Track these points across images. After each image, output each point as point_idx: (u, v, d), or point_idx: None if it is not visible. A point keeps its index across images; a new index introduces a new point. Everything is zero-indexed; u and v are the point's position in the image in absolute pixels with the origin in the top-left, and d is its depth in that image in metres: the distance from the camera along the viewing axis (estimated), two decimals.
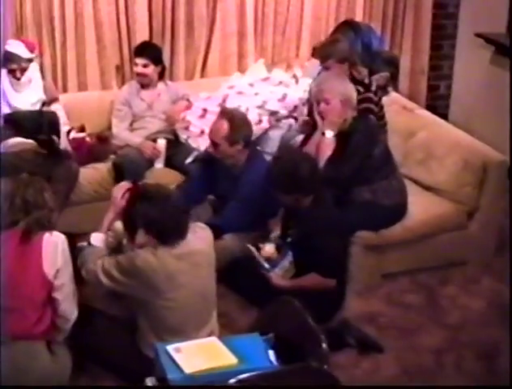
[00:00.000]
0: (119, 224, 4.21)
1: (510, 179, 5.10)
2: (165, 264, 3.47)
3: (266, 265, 4.26)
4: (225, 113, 4.67)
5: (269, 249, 4.34)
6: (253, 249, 4.31)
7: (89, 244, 3.84)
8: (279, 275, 4.23)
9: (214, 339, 3.33)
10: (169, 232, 3.50)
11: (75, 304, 3.56)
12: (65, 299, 3.48)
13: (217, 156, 4.70)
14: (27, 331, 3.41)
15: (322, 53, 5.27)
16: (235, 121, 4.59)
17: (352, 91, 4.71)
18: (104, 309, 3.97)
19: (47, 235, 3.44)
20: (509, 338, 4.14)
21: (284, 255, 4.29)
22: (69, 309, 3.52)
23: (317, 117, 4.67)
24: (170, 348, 3.16)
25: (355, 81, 5.04)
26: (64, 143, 5.19)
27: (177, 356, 3.10)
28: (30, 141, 5.07)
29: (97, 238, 3.82)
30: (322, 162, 4.52)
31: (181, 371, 3.01)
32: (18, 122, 5.00)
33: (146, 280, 3.46)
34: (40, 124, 4.99)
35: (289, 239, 4.31)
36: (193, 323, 3.61)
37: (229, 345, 3.20)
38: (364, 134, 4.61)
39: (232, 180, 4.67)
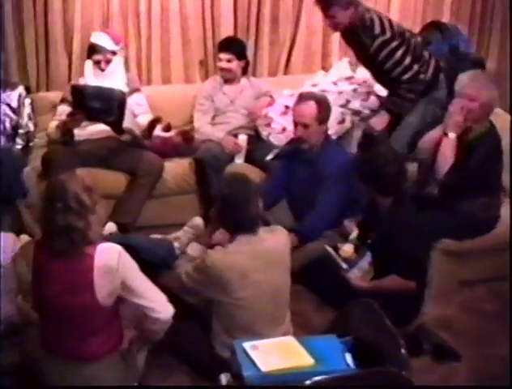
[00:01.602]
0: (198, 220, 4.23)
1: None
2: (237, 262, 3.47)
3: (344, 265, 4.22)
4: (308, 96, 4.71)
5: (348, 249, 4.29)
6: (330, 249, 4.27)
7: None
8: (358, 277, 4.17)
9: (291, 339, 3.30)
10: (238, 215, 3.51)
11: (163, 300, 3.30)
12: (143, 299, 3.26)
13: (299, 141, 4.69)
14: (102, 351, 3.31)
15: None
16: (321, 101, 4.64)
17: (495, 100, 4.56)
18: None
19: (98, 253, 3.14)
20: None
21: (362, 256, 4.23)
22: (156, 304, 3.27)
23: (453, 111, 4.56)
24: (247, 345, 3.14)
25: (365, 28, 4.99)
26: (137, 128, 5.27)
27: (253, 354, 3.09)
28: (107, 128, 5.13)
29: (193, 248, 3.85)
30: (443, 165, 4.44)
31: (258, 369, 2.99)
32: (87, 100, 4.96)
33: (216, 279, 3.46)
34: (110, 101, 4.97)
35: (369, 241, 4.25)
36: (265, 323, 3.59)
37: (306, 345, 3.17)
38: (492, 150, 4.50)
39: (309, 172, 4.67)
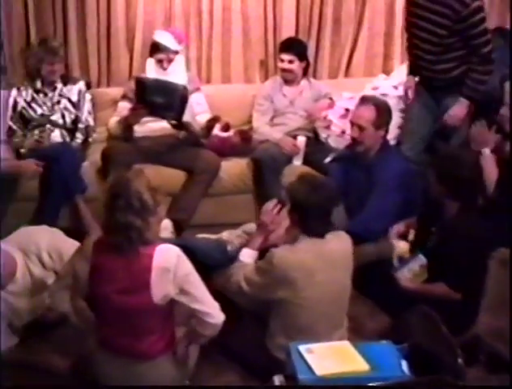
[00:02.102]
0: (253, 226, 4.21)
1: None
2: (303, 260, 3.45)
3: (396, 262, 4.20)
4: (369, 99, 4.67)
5: (403, 246, 4.28)
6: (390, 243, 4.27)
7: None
8: (407, 278, 4.12)
9: (346, 343, 3.25)
10: (315, 220, 3.49)
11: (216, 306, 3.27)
12: (199, 304, 3.22)
13: (354, 142, 4.65)
14: (154, 350, 3.30)
15: None
16: (380, 106, 4.58)
17: None
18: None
19: (157, 254, 3.13)
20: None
21: (415, 258, 4.16)
22: (210, 309, 3.24)
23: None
24: (303, 348, 3.11)
25: None
26: (197, 126, 5.27)
27: (308, 357, 3.05)
28: (167, 126, 5.15)
29: (247, 254, 3.78)
30: (489, 182, 4.40)
31: (312, 372, 2.95)
32: (149, 94, 4.98)
33: (283, 277, 3.42)
34: (172, 96, 4.98)
35: (429, 243, 4.18)
36: (324, 325, 3.55)
37: (362, 351, 3.12)
38: None
39: (365, 177, 4.62)
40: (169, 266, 3.11)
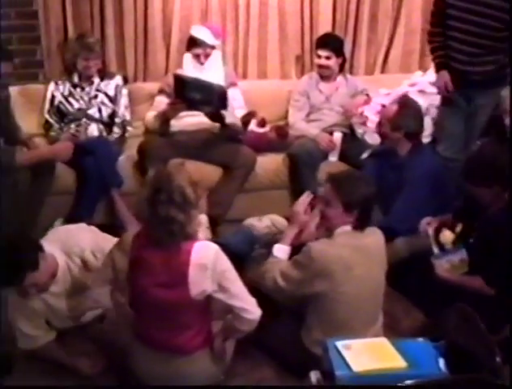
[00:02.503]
0: (283, 221, 4.22)
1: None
2: (341, 255, 3.44)
3: (436, 249, 4.19)
4: (402, 99, 4.72)
5: (449, 235, 4.24)
6: (430, 230, 4.25)
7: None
8: (444, 267, 4.09)
9: (384, 340, 3.23)
10: (363, 214, 3.50)
11: (253, 302, 3.29)
12: (236, 300, 3.25)
13: (383, 138, 4.71)
14: (191, 345, 3.34)
15: None
16: (405, 108, 4.58)
17: None
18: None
19: (195, 250, 3.16)
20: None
21: (457, 250, 4.13)
22: (247, 305, 3.26)
23: None
24: (340, 344, 3.08)
25: None
26: (233, 119, 5.26)
27: (346, 353, 3.02)
28: (203, 120, 5.16)
29: (280, 250, 3.75)
30: None
31: (349, 369, 2.93)
32: (188, 91, 5.00)
33: (321, 271, 3.41)
34: (210, 94, 5.00)
35: (471, 239, 4.15)
36: (361, 321, 3.55)
37: (399, 348, 3.09)
38: None
39: (397, 173, 4.63)
40: (207, 262, 3.13)
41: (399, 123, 4.54)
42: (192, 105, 5.04)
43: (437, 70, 5.12)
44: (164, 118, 5.20)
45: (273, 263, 3.67)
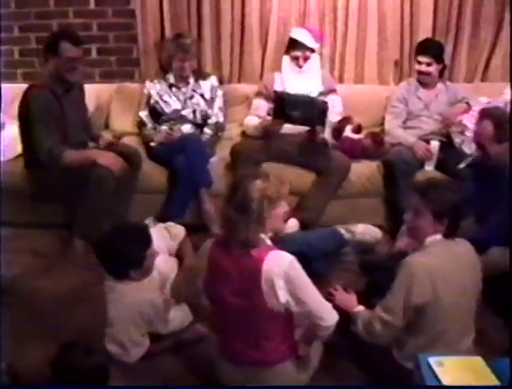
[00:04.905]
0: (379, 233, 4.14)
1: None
2: (437, 263, 3.32)
3: None
4: (487, 113, 4.58)
5: None
6: None
7: None
8: None
9: (478, 359, 3.11)
10: (458, 222, 3.40)
11: (329, 308, 3.24)
12: (310, 309, 3.18)
13: (487, 160, 4.56)
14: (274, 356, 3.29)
15: None
16: (498, 119, 4.48)
17: None
18: None
19: (268, 259, 3.07)
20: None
21: None
22: (322, 314, 3.21)
23: None
24: (432, 360, 2.99)
25: None
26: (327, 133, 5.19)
27: (438, 370, 2.94)
28: (303, 128, 5.10)
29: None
30: None
31: (442, 386, 2.83)
32: (289, 107, 4.95)
33: (423, 283, 3.29)
34: (311, 111, 4.94)
35: None
36: (456, 333, 3.43)
37: (493, 367, 2.98)
38: None
39: (496, 185, 4.47)
40: (279, 272, 3.05)
41: (503, 134, 4.42)
42: (292, 123, 5.00)
43: None
44: (265, 132, 5.19)
45: (365, 313, 3.54)
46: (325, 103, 4.99)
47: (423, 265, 3.31)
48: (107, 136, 5.32)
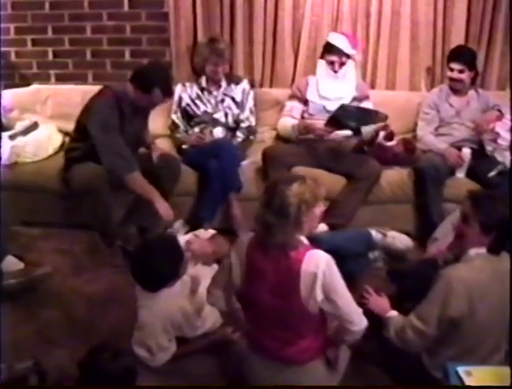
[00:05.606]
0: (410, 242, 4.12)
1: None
2: (480, 279, 3.29)
3: None
4: None
5: None
6: None
7: None
8: None
9: (506, 369, 3.09)
10: (505, 237, 3.33)
11: (359, 312, 3.23)
12: (342, 312, 3.17)
13: None
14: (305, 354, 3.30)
15: None
16: None
17: None
18: None
19: (306, 259, 3.08)
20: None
21: None
22: (352, 317, 3.20)
23: None
24: (461, 369, 2.99)
25: None
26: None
27: (467, 380, 2.94)
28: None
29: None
30: None
31: None
32: (347, 120, 4.98)
33: (460, 297, 3.26)
34: (365, 123, 5.00)
35: None
36: (488, 348, 3.40)
37: None
38: None
39: None
40: (317, 271, 3.05)
41: None
42: (342, 129, 5.05)
43: None
44: (306, 131, 5.19)
45: (398, 319, 3.52)
46: (385, 116, 5.01)
47: (463, 281, 3.27)
48: (159, 147, 5.30)
